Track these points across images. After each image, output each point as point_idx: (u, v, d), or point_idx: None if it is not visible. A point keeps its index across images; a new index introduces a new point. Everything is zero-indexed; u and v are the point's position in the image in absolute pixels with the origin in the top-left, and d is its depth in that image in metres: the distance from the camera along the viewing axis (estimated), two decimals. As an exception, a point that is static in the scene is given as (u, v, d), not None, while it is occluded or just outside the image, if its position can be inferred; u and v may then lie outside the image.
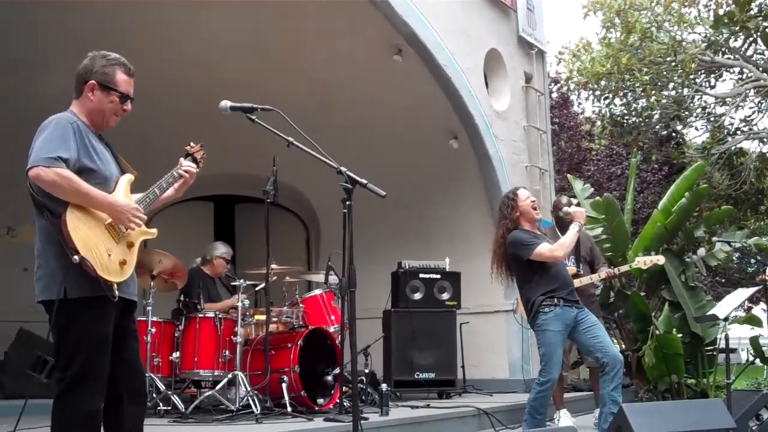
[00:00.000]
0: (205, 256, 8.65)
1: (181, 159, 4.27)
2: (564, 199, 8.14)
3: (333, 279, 8.02)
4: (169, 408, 7.10)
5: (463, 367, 10.21)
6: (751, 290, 7.93)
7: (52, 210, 3.70)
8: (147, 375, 7.03)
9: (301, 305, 7.91)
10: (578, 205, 10.33)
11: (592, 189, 14.21)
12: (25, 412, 6.14)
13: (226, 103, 4.27)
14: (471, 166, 11.10)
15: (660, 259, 7.57)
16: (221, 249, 8.66)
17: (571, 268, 7.06)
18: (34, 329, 8.45)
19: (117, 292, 3.78)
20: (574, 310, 6.22)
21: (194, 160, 4.32)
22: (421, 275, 9.71)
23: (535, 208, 6.47)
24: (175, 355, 7.43)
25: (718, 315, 7.02)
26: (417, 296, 9.65)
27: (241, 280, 7.68)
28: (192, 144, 4.35)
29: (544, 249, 6.17)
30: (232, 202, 13.22)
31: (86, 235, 3.69)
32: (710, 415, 5.23)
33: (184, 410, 6.98)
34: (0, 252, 9.88)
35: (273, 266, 7.56)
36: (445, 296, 9.75)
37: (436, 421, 7.45)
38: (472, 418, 7.81)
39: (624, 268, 8.07)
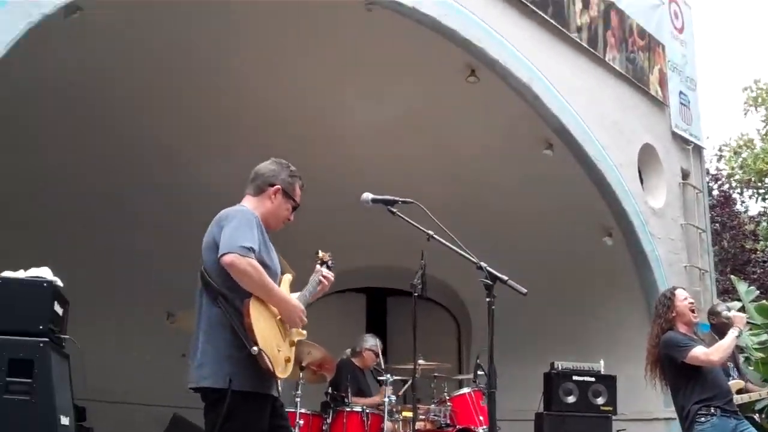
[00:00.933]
0: (354, 347, 8.68)
1: (318, 266, 4.51)
2: (722, 306, 7.83)
3: (482, 377, 7.88)
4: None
5: (619, 479, 9.74)
6: None
7: (227, 299, 3.85)
8: (292, 467, 7.07)
9: (449, 403, 7.78)
10: (741, 309, 9.97)
11: (758, 292, 13.56)
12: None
13: (367, 196, 4.35)
14: (626, 265, 10.80)
15: None
16: (371, 341, 8.67)
17: (738, 382, 6.71)
18: (187, 415, 8.59)
19: (280, 389, 3.97)
20: (733, 420, 5.81)
21: (328, 267, 4.54)
22: (575, 377, 9.35)
23: (692, 310, 6.18)
24: (323, 448, 7.40)
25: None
26: (570, 399, 9.29)
27: (388, 375, 7.66)
28: (321, 252, 4.58)
29: (699, 352, 5.84)
30: (384, 295, 13.25)
31: (264, 329, 3.84)
32: None
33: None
34: (157, 337, 10.17)
35: (420, 362, 7.47)
36: (600, 401, 9.33)
37: None
38: None
39: None
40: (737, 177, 19.67)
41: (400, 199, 4.29)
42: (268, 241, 4.15)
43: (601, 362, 9.54)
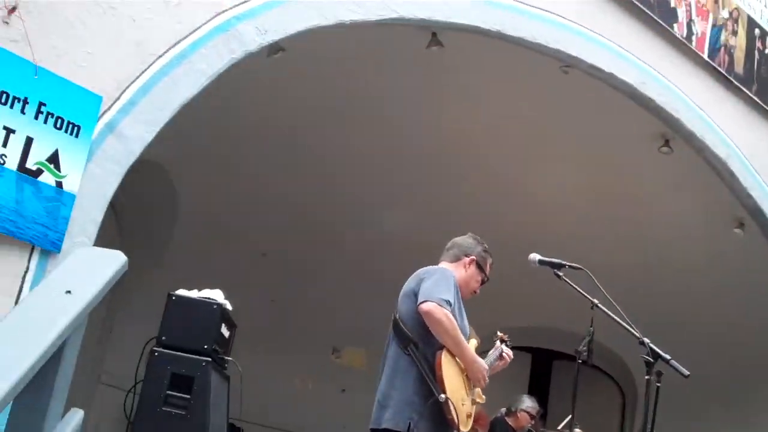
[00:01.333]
0: (510, 407, 8.58)
1: (497, 343, 4.73)
2: None
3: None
4: None
5: None
6: None
7: (418, 347, 4.07)
8: None
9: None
10: None
11: None
12: None
13: (535, 257, 4.46)
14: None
15: None
16: (527, 403, 8.58)
17: None
18: None
19: None
20: None
21: (507, 346, 4.76)
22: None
23: None
24: (470, 502, 7.33)
25: None
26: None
27: (538, 439, 7.57)
28: (500, 332, 4.80)
29: None
30: (550, 357, 13.02)
31: (452, 381, 4.04)
32: None
33: None
34: (319, 370, 10.38)
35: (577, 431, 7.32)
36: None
37: None
38: None
39: None
40: None
41: (568, 264, 4.33)
42: (462, 304, 4.36)
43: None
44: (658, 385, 4.20)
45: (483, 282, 4.58)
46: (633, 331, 4.07)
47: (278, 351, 10.55)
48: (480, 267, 4.54)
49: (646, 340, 3.97)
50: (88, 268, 2.21)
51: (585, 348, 6.37)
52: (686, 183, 9.42)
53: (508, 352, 4.68)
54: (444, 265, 4.50)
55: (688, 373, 3.95)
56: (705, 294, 10.55)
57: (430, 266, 4.40)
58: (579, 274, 4.35)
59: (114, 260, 2.29)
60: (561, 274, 4.29)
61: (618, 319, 4.12)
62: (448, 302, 4.06)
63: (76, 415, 2.16)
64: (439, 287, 4.11)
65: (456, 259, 4.53)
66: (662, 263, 10.62)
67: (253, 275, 10.27)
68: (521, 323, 11.02)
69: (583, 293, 4.17)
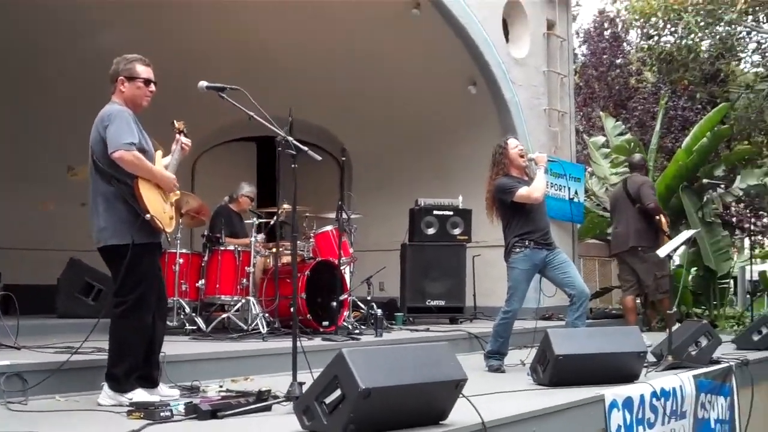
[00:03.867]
0: (231, 194, 9.64)
1: (177, 135, 5.42)
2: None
3: (344, 217, 8.91)
4: (194, 328, 8.10)
5: (474, 295, 11.03)
6: (692, 232, 8.39)
7: (119, 179, 4.90)
8: (175, 299, 8.22)
9: (311, 240, 8.87)
10: (605, 144, 11.39)
11: (624, 127, 14.81)
12: (73, 329, 7.32)
13: (202, 84, 5.12)
14: (489, 111, 11.70)
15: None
16: (246, 188, 9.63)
17: None
18: (82, 258, 9.40)
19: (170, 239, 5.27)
20: (545, 251, 6.90)
21: (185, 135, 5.45)
22: (435, 212, 10.54)
23: (522, 156, 7.15)
24: (201, 282, 8.47)
25: (660, 254, 7.66)
26: (431, 231, 10.51)
27: (254, 218, 8.68)
28: (177, 123, 5.43)
29: (524, 191, 6.83)
30: (274, 144, 13.83)
31: (151, 199, 4.96)
32: (625, 340, 6.08)
33: (205, 329, 8.00)
34: (59, 189, 10.97)
35: (285, 206, 8.48)
36: (457, 231, 10.58)
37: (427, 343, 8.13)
38: (464, 341, 8.57)
39: None
40: (625, 18, 20.53)
41: (228, 87, 5.11)
42: (142, 129, 5.09)
43: (460, 198, 10.70)
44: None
45: (147, 82, 5.10)
46: (277, 130, 5.09)
47: (20, 180, 10.98)
48: (130, 78, 5.06)
49: (290, 138, 5.02)
50: None
51: (282, 139, 7.53)
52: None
53: (186, 142, 5.39)
54: (113, 100, 5.11)
55: (320, 158, 5.10)
56: (397, 70, 11.79)
57: (107, 109, 5.00)
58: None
59: None
60: (224, 95, 5.09)
61: (268, 125, 5.08)
62: (132, 144, 4.85)
63: None
64: (121, 131, 4.84)
65: (114, 89, 5.11)
66: (354, 53, 11.57)
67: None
68: (241, 116, 11.88)
69: (242, 108, 5.03)
